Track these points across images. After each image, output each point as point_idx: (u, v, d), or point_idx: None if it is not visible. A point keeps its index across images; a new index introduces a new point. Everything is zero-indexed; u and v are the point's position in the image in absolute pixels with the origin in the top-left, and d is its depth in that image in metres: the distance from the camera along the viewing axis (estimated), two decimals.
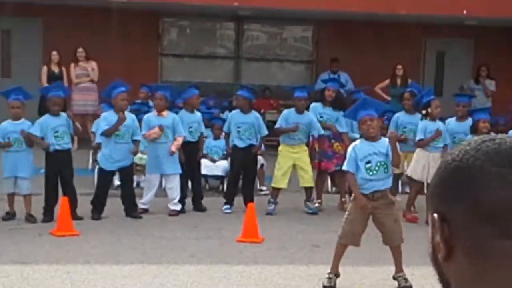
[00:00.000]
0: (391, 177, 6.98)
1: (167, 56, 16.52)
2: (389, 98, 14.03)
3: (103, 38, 15.23)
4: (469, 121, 9.74)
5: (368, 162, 6.74)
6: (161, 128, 9.46)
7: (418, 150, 9.67)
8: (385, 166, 6.77)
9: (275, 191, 9.96)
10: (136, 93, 12.73)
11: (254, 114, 10.18)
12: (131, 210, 9.36)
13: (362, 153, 6.77)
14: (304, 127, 9.90)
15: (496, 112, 12.82)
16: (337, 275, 6.73)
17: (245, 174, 10.14)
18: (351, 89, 13.66)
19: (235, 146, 10.07)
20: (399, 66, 14.27)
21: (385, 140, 6.91)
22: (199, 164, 10.23)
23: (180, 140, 9.69)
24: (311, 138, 11.15)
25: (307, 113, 10.04)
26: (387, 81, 14.35)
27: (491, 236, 1.10)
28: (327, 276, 6.72)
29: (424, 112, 9.66)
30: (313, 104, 10.32)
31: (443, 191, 1.16)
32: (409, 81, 13.94)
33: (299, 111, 9.96)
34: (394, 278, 6.79)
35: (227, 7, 14.36)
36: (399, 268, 6.77)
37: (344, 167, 6.94)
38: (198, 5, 14.22)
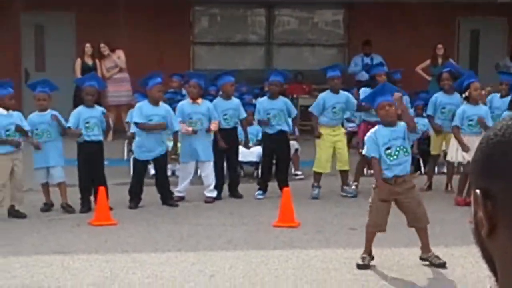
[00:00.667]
0: (410, 160, 6.96)
1: (199, 44, 16.55)
2: (429, 78, 13.92)
3: (135, 28, 15.31)
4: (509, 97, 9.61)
5: (388, 148, 6.73)
6: (194, 131, 9.50)
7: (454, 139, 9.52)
8: (404, 150, 6.77)
9: (318, 175, 9.93)
10: (168, 82, 12.78)
11: (282, 99, 10.15)
12: (167, 198, 9.42)
13: (382, 139, 6.75)
14: (342, 106, 9.87)
15: None
16: (370, 255, 6.75)
17: (277, 160, 10.13)
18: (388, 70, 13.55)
19: (265, 132, 10.06)
20: (440, 46, 14.09)
21: (402, 124, 6.88)
22: (236, 150, 10.24)
23: (216, 123, 9.73)
24: (347, 122, 11.12)
25: (343, 92, 10.01)
26: (428, 61, 14.20)
27: None
28: (361, 256, 6.73)
29: (464, 95, 9.51)
30: (363, 89, 10.24)
31: (485, 167, 1.14)
32: (450, 60, 13.80)
33: (335, 91, 9.91)
34: (423, 259, 6.78)
35: None
36: (426, 249, 6.77)
37: (366, 153, 6.90)
38: None
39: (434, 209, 9.08)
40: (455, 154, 9.44)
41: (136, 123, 9.42)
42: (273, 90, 10.05)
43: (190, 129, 9.56)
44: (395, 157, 6.71)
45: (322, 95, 10.09)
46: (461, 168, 9.74)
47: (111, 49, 14.18)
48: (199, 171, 10.02)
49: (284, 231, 8.10)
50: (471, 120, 9.34)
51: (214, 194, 9.69)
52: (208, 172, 9.69)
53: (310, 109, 10.11)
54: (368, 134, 7.00)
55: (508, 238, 1.11)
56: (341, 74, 10.14)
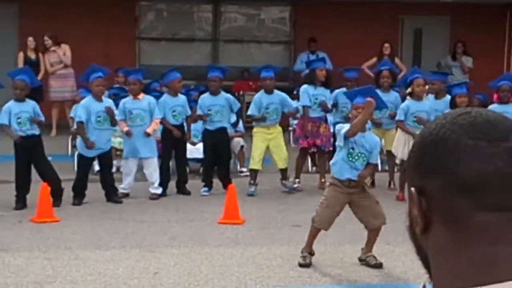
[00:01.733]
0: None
1: (145, 40, 16.44)
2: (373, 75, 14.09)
3: (80, 22, 15.12)
4: (447, 98, 9.79)
5: (352, 148, 6.77)
6: (128, 133, 9.47)
7: (399, 130, 9.69)
8: (364, 158, 6.79)
9: (253, 173, 10.00)
10: (113, 78, 12.67)
11: (223, 95, 10.16)
12: (112, 194, 9.35)
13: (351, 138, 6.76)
14: (277, 106, 9.94)
15: (473, 88, 12.90)
16: (311, 253, 6.76)
17: (218, 157, 10.13)
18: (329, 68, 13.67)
19: (206, 129, 10.06)
20: (386, 45, 14.26)
21: (373, 136, 6.97)
22: (184, 147, 10.22)
23: (157, 122, 9.69)
24: (298, 119, 11.21)
25: (277, 92, 10.08)
26: (374, 59, 14.36)
27: (468, 208, 1.11)
28: (301, 255, 6.74)
29: (408, 91, 9.67)
30: (303, 87, 10.33)
31: (420, 165, 1.17)
32: (396, 59, 13.99)
33: (268, 92, 9.98)
34: (362, 259, 6.75)
35: None
36: (369, 249, 6.75)
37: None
38: None
39: None
40: (401, 150, 9.56)
41: (79, 121, 9.29)
42: (213, 86, 10.06)
43: (126, 129, 9.52)
44: (354, 160, 6.73)
45: (256, 96, 10.19)
46: (404, 165, 9.88)
47: (56, 42, 13.94)
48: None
49: (229, 228, 8.12)
50: (416, 116, 9.51)
51: (159, 191, 9.65)
52: (152, 169, 9.65)
53: (249, 113, 10.16)
54: (339, 126, 7.08)
55: (442, 235, 1.14)
56: (274, 75, 10.19)
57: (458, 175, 1.12)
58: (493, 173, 1.10)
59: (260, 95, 10.09)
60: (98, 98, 9.32)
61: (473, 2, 15.40)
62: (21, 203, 8.90)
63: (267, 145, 9.96)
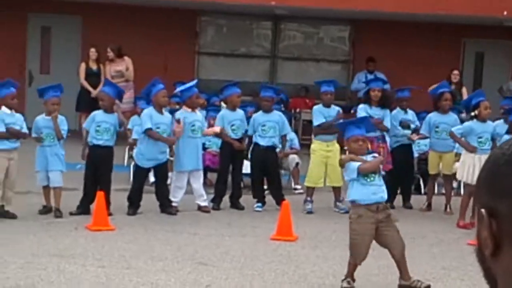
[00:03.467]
0: (385, 189, 6.75)
1: (204, 55, 16.59)
2: None
3: (141, 36, 15.36)
4: None
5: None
6: (178, 121, 9.45)
7: (464, 152, 9.50)
8: (378, 174, 6.69)
9: (310, 190, 9.95)
10: (172, 91, 12.78)
11: (277, 113, 10.19)
12: (166, 206, 9.41)
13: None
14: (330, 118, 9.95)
15: None
16: (354, 279, 6.61)
17: (269, 174, 10.10)
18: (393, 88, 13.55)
19: (256, 144, 10.04)
20: (456, 72, 13.95)
21: (371, 156, 6.88)
22: (241, 162, 10.24)
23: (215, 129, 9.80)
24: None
25: (333, 107, 10.07)
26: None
27: None
28: (345, 280, 6.57)
29: (473, 113, 9.52)
30: (360, 106, 10.29)
31: (492, 186, 1.14)
32: (463, 88, 13.75)
33: (327, 105, 9.97)
34: (405, 286, 6.53)
35: (264, 6, 14.37)
36: (407, 274, 6.53)
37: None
38: (236, 4, 14.27)
39: (433, 230, 9.10)
40: (466, 174, 9.31)
41: (144, 132, 9.39)
42: (265, 106, 10.09)
43: (218, 128, 9.57)
44: (372, 178, 6.60)
45: (316, 108, 10.18)
46: (463, 189, 9.69)
47: (119, 55, 14.12)
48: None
49: (281, 244, 8.07)
50: (481, 137, 9.34)
51: (206, 203, 9.67)
52: (201, 182, 9.72)
53: (315, 124, 10.11)
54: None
55: None
56: (335, 90, 10.18)
57: None
58: None
59: (319, 108, 10.08)
60: (160, 110, 9.44)
61: None
62: (82, 208, 9.09)
63: (326, 162, 9.90)
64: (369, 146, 9.93)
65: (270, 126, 9.98)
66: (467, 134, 9.40)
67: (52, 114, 9.09)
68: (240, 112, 10.19)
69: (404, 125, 10.31)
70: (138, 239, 8.10)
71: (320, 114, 10.00)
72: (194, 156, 9.63)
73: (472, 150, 9.26)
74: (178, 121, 9.47)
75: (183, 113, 9.70)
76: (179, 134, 9.50)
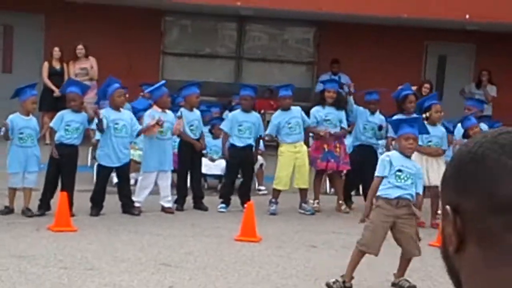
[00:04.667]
0: (415, 190, 6.81)
1: (169, 55, 16.52)
2: None
3: (105, 36, 15.25)
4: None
5: (400, 170, 6.74)
6: (158, 121, 9.39)
7: (415, 154, 9.59)
8: (412, 179, 6.77)
9: (276, 192, 9.96)
10: (137, 92, 12.73)
11: (255, 114, 10.22)
12: (128, 206, 9.36)
13: (396, 163, 6.78)
14: (298, 120, 9.95)
15: (496, 117, 12.83)
16: (345, 283, 6.56)
17: (243, 174, 10.13)
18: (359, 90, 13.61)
19: (233, 145, 10.04)
20: (427, 85, 13.99)
21: (417, 165, 7.05)
22: (200, 162, 10.23)
23: (179, 122, 9.77)
24: (311, 138, 11.18)
25: (293, 109, 10.08)
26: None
27: (504, 228, 1.09)
28: (337, 279, 6.58)
29: (424, 116, 9.62)
30: (313, 109, 10.33)
31: (457, 183, 1.15)
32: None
33: (285, 109, 9.99)
34: (395, 284, 6.72)
35: (230, 7, 14.37)
36: (402, 274, 6.73)
37: (376, 173, 6.88)
38: (201, 4, 14.24)
39: None
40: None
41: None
42: (245, 104, 10.10)
43: (156, 119, 9.38)
44: (403, 181, 6.71)
45: (273, 116, 10.20)
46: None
47: (86, 54, 14.03)
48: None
49: (245, 245, 8.09)
50: (430, 141, 9.46)
51: (171, 204, 9.64)
52: (168, 182, 9.67)
53: (267, 132, 10.15)
54: (383, 156, 7.09)
55: (475, 255, 1.12)
56: (292, 94, 10.20)
57: (495, 194, 1.10)
58: None
59: (277, 113, 10.11)
60: (116, 109, 9.37)
61: (499, 31, 15.33)
62: (44, 207, 9.01)
63: (294, 163, 9.93)
64: (326, 146, 10.04)
65: (246, 127, 9.97)
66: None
67: (31, 113, 9.02)
68: (197, 113, 10.19)
69: (380, 127, 10.37)
70: (100, 240, 8.04)
71: (274, 126, 10.00)
72: (162, 157, 9.57)
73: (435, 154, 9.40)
74: (179, 117, 9.45)
75: (154, 113, 9.65)
76: (177, 132, 9.48)
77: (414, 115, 10.29)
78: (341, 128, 10.18)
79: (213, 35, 16.80)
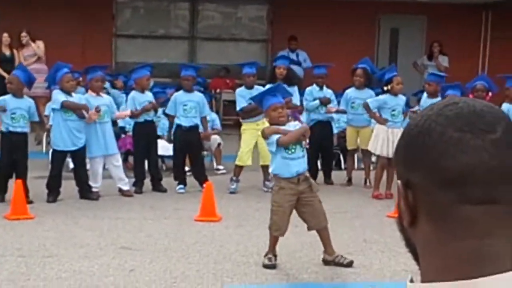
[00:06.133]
0: (306, 157, 6.75)
1: (121, 37, 16.34)
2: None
3: (56, 20, 15.01)
4: (439, 99, 9.86)
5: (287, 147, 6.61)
6: (97, 109, 9.30)
7: (377, 125, 9.70)
8: (300, 144, 6.64)
9: (238, 169, 9.93)
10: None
11: (198, 94, 10.14)
12: (86, 191, 9.27)
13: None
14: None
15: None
16: (275, 255, 6.63)
17: (192, 155, 10.07)
18: (309, 66, 13.65)
19: (179, 126, 9.97)
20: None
21: (295, 124, 6.89)
22: (156, 143, 10.16)
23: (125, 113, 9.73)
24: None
25: (257, 87, 10.05)
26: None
27: (452, 201, 1.10)
28: (267, 257, 6.59)
29: (386, 88, 9.70)
30: (266, 87, 10.28)
31: (406, 158, 1.15)
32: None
33: (250, 87, 9.96)
34: (328, 261, 6.62)
35: None
36: (331, 250, 6.64)
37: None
38: None
39: (353, 204, 9.27)
40: (379, 146, 9.53)
41: (61, 103, 9.10)
42: (186, 85, 10.02)
43: (93, 110, 9.29)
44: (292, 150, 6.61)
45: (239, 90, 10.15)
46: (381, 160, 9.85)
47: (32, 39, 13.83)
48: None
49: (205, 225, 8.08)
50: (394, 110, 9.54)
51: (128, 187, 9.57)
52: (119, 165, 9.61)
53: (239, 107, 10.05)
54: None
55: (428, 228, 1.12)
56: (256, 72, 10.16)
57: (443, 168, 1.10)
58: (478, 166, 1.09)
59: (241, 91, 10.06)
60: (68, 93, 9.21)
61: (449, 2, 15.48)
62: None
63: (256, 141, 9.91)
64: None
65: (192, 106, 9.92)
66: (380, 107, 9.61)
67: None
68: (149, 94, 10.10)
69: (323, 101, 10.40)
70: (58, 227, 7.95)
71: (242, 98, 9.96)
72: (104, 141, 9.45)
73: (383, 122, 9.50)
74: (97, 108, 9.27)
75: (89, 97, 9.50)
76: (90, 121, 9.32)
77: (366, 89, 10.34)
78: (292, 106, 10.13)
79: (166, 16, 16.65)
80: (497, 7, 15.65)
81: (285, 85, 9.98)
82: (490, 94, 9.89)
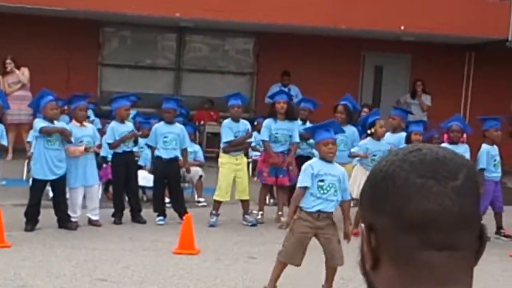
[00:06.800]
0: (337, 202, 6.85)
1: (108, 66, 16.37)
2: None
3: (43, 47, 15.04)
4: (403, 134, 9.92)
5: (322, 180, 6.74)
6: (86, 148, 9.32)
7: (356, 167, 9.75)
8: (335, 189, 6.75)
9: (217, 204, 9.93)
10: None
11: (179, 126, 10.16)
12: (64, 221, 9.20)
13: (318, 170, 6.75)
14: (241, 134, 9.96)
15: (432, 126, 13.07)
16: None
17: (171, 187, 10.06)
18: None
19: (159, 157, 9.97)
20: (365, 109, 14.09)
21: (341, 169, 6.97)
22: (136, 174, 10.15)
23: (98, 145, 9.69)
24: (252, 151, 11.19)
25: (242, 122, 10.09)
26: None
27: (414, 246, 1.11)
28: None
29: (369, 131, 9.75)
30: (266, 121, 10.31)
31: (370, 202, 1.17)
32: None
33: (235, 119, 9.99)
34: None
35: (169, 18, 14.33)
36: (330, 285, 6.79)
37: (299, 183, 6.87)
38: (140, 16, 14.15)
39: None
40: (356, 187, 9.57)
41: (40, 129, 9.08)
42: (168, 117, 10.04)
43: (83, 146, 9.31)
44: (325, 191, 6.70)
45: (225, 123, 10.16)
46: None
47: (16, 66, 13.84)
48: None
49: (183, 258, 8.04)
50: (375, 155, 9.57)
51: (98, 217, 9.53)
52: (96, 195, 9.58)
53: (225, 140, 10.04)
54: (305, 165, 6.97)
55: (390, 272, 1.14)
56: (242, 104, 10.20)
57: (406, 213, 1.11)
58: (440, 212, 1.10)
59: (228, 123, 10.07)
60: (50, 121, 9.19)
61: (433, 42, 15.67)
62: None
63: (234, 176, 9.92)
64: (276, 160, 10.05)
65: (172, 138, 9.94)
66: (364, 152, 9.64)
67: None
68: (129, 125, 10.11)
69: (303, 137, 10.38)
70: (35, 256, 7.89)
71: (229, 130, 9.96)
72: (84, 172, 9.42)
73: (365, 156, 9.54)
74: (86, 148, 9.27)
75: (73, 127, 9.48)
76: (73, 155, 9.30)
77: (348, 126, 10.36)
78: (291, 144, 10.15)
79: (153, 46, 16.72)
80: (480, 48, 15.86)
81: (286, 121, 10.04)
82: (464, 135, 9.97)
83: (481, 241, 1.15)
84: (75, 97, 9.82)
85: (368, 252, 1.16)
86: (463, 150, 9.64)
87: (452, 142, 9.78)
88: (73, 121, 9.68)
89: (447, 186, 1.12)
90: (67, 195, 9.48)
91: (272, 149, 10.05)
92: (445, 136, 10.33)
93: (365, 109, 13.44)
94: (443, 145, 9.75)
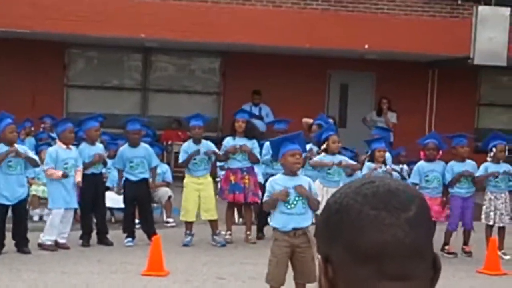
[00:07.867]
0: (310, 214, 6.78)
1: (74, 87, 16.29)
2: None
3: (7, 69, 14.93)
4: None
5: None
6: (64, 174, 9.27)
7: (316, 184, 9.77)
8: (303, 201, 6.66)
9: (188, 224, 9.91)
10: (39, 124, 12.51)
11: (143, 146, 10.12)
12: (22, 245, 9.05)
13: (282, 185, 6.68)
14: (203, 156, 9.95)
15: (398, 143, 13.22)
16: None
17: (140, 209, 10.03)
18: (271, 120, 13.69)
19: (127, 179, 9.95)
20: (331, 121, 14.21)
21: (306, 178, 6.95)
22: (103, 196, 10.10)
23: (80, 170, 9.56)
24: (221, 171, 11.18)
25: (205, 142, 10.09)
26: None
27: (369, 277, 1.13)
28: None
29: (323, 147, 9.80)
30: (225, 140, 10.35)
31: (325, 234, 1.19)
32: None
33: (197, 140, 10.01)
34: None
35: (134, 39, 14.33)
36: None
37: (264, 198, 6.85)
38: (105, 37, 14.13)
39: None
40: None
41: None
42: (134, 139, 10.01)
43: (60, 172, 9.30)
44: (292, 206, 6.65)
45: (185, 144, 10.19)
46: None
47: None
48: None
49: (152, 280, 8.00)
50: (329, 169, 9.62)
51: (65, 240, 9.45)
52: (70, 218, 9.51)
53: (181, 160, 10.08)
54: (269, 180, 6.92)
55: None
56: (204, 125, 10.21)
57: (360, 245, 1.14)
58: (393, 244, 1.13)
59: (188, 144, 10.09)
60: (10, 145, 9.05)
61: (396, 60, 15.87)
62: None
63: (198, 195, 9.92)
64: (233, 178, 10.07)
65: (137, 163, 9.91)
66: (319, 167, 9.66)
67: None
68: (99, 146, 10.07)
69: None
70: (1, 281, 7.78)
71: (184, 154, 9.98)
72: (67, 194, 9.36)
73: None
74: (64, 175, 9.20)
75: (59, 149, 9.44)
76: (51, 177, 9.26)
77: (338, 156, 10.28)
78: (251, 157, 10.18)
79: (119, 67, 16.69)
80: (442, 65, 16.10)
81: (244, 138, 10.08)
82: (440, 152, 10.07)
83: (435, 270, 1.18)
84: (62, 120, 9.78)
85: (326, 282, 1.18)
86: (471, 167, 9.74)
87: (428, 159, 9.88)
88: (59, 143, 9.59)
89: (399, 217, 1.15)
90: (45, 217, 9.37)
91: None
92: (421, 153, 10.43)
93: (330, 120, 13.53)
94: (420, 163, 9.88)
